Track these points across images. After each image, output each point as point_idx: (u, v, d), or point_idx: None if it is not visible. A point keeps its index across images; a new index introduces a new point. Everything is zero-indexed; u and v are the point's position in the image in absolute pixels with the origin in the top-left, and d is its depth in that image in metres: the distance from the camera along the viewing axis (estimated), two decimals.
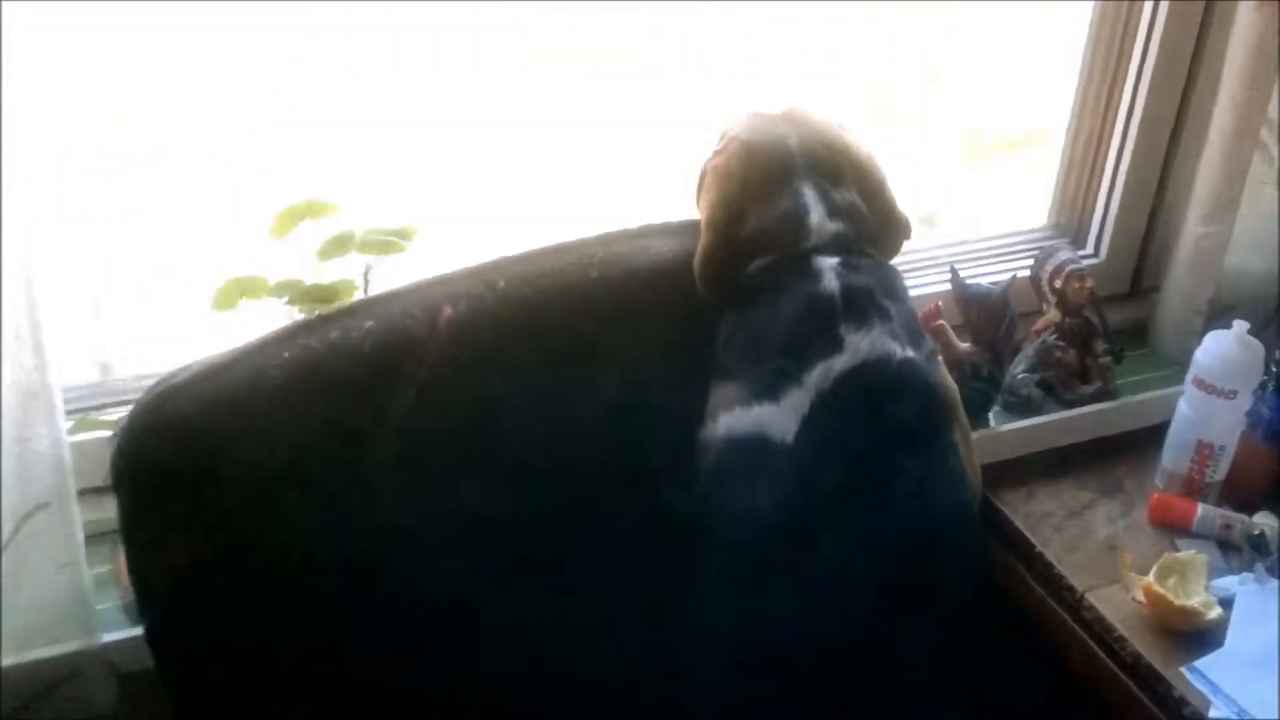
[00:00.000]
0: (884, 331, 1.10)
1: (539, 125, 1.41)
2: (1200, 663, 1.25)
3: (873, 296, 1.12)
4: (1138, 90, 1.62)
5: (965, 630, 1.16)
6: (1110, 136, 1.67)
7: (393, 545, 1.03)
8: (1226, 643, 1.26)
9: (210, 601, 1.01)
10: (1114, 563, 1.37)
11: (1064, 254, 1.59)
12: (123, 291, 1.39)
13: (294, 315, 1.21)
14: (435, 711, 1.12)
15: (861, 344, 1.09)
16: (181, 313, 1.32)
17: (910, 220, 1.22)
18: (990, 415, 1.54)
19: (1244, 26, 1.48)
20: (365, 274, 1.24)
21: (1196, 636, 1.28)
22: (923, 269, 1.62)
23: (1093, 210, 1.72)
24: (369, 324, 1.03)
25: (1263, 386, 1.43)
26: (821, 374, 1.08)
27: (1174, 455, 1.47)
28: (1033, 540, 1.42)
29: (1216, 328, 1.45)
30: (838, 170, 1.16)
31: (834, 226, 1.14)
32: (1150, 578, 1.31)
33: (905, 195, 1.24)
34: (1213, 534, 1.41)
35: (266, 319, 1.16)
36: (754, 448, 1.08)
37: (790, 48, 1.52)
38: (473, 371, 1.06)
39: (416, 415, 1.03)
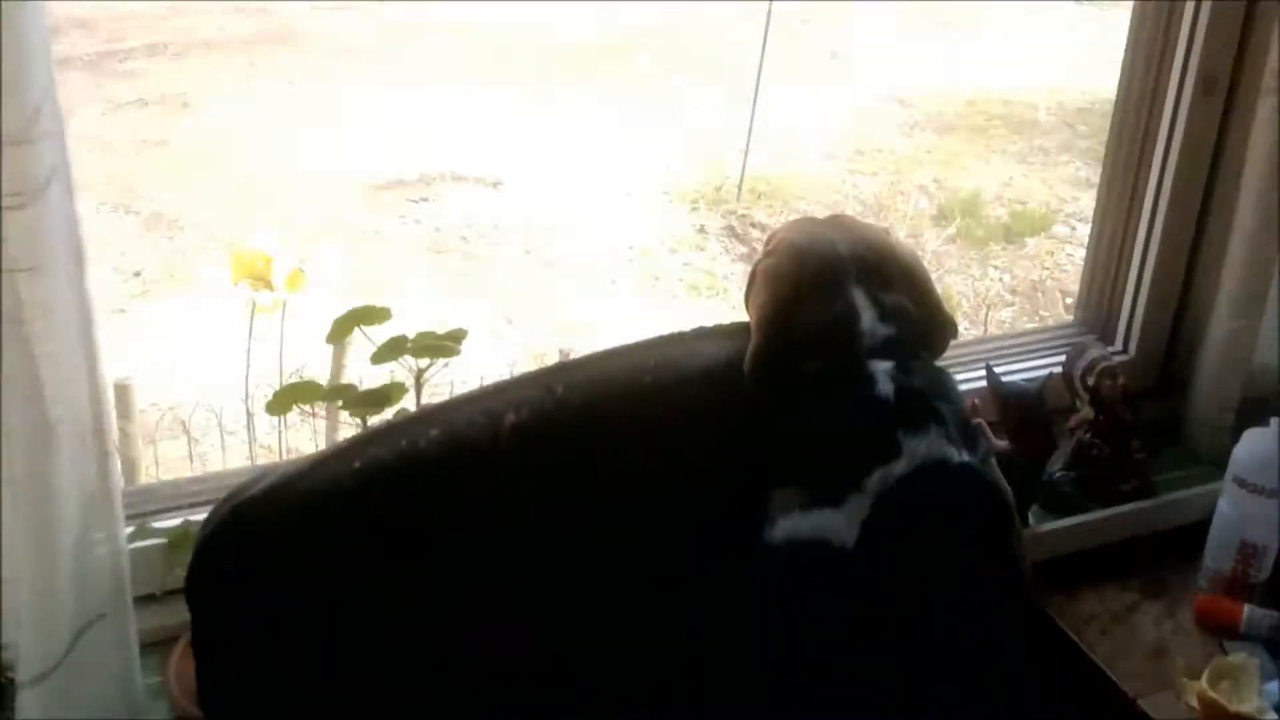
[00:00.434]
0: (940, 435, 1.11)
1: None
2: None
3: (927, 400, 1.13)
4: (1161, 187, 1.65)
5: None
6: (1135, 233, 1.70)
7: (463, 659, 1.03)
8: None
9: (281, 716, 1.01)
10: (1163, 667, 1.36)
11: (1095, 351, 1.61)
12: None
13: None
14: None
15: (919, 449, 1.10)
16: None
17: (956, 320, 1.24)
18: (1029, 515, 1.54)
19: (1264, 123, 1.52)
20: (418, 377, 1.25)
21: None
22: (956, 366, 1.64)
23: (1120, 307, 1.74)
24: (435, 431, 1.05)
25: None
26: (881, 479, 1.09)
27: (1217, 554, 1.46)
28: (1081, 645, 1.41)
29: (1249, 423, 1.46)
30: (886, 274, 1.18)
31: (886, 330, 1.16)
32: (1203, 682, 1.30)
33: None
34: (1260, 635, 1.40)
35: None
36: (815, 553, 1.08)
37: None
38: (535, 477, 1.07)
39: (482, 523, 1.04)
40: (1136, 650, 1.40)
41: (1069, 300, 4.67)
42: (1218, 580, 1.46)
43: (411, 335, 1.26)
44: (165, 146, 5.39)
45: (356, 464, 1.02)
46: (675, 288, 4.73)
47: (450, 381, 2.73)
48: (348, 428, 1.87)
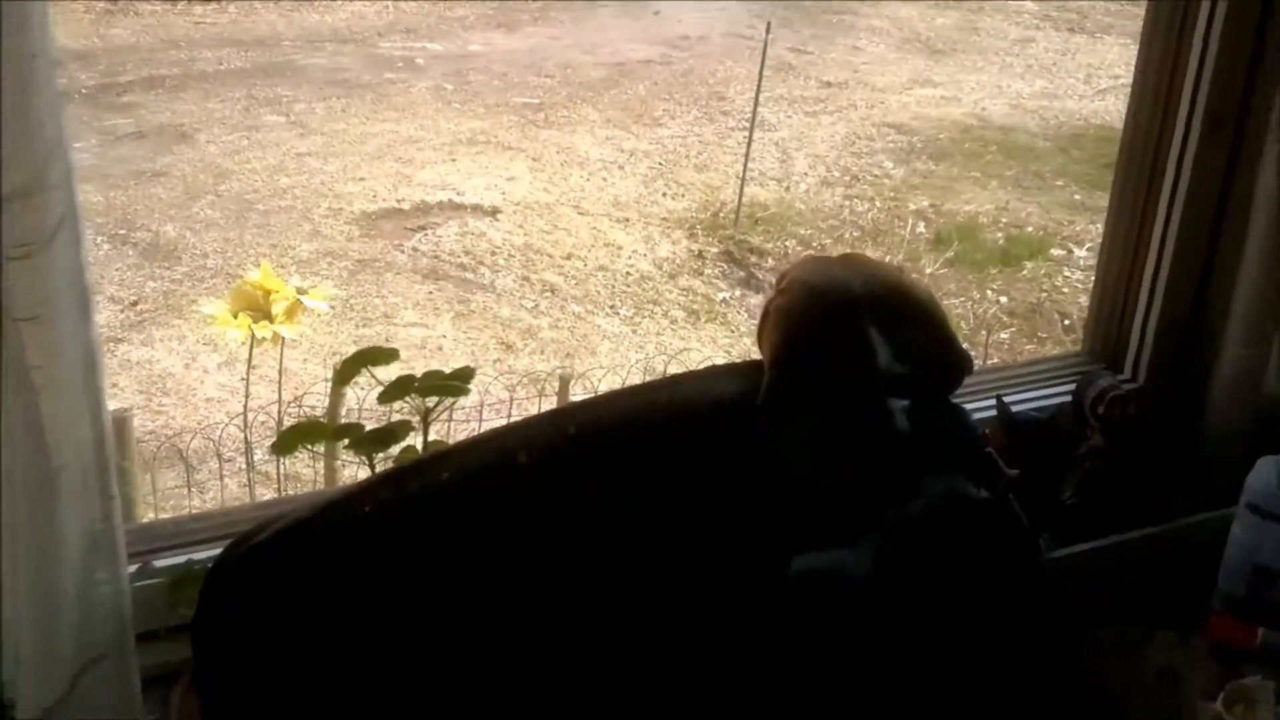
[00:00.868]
0: (958, 472, 1.10)
1: None
2: None
3: (944, 438, 1.12)
4: (1170, 216, 1.65)
5: None
6: (1144, 264, 1.69)
7: (475, 708, 1.01)
8: None
9: None
10: (1176, 692, 1.35)
11: (1105, 380, 1.60)
12: None
13: None
14: None
15: (937, 486, 1.09)
16: None
17: (970, 355, 1.23)
18: (1040, 542, 1.53)
19: (1271, 160, 1.52)
20: (425, 416, 1.24)
21: None
22: (965, 396, 1.63)
23: (1129, 335, 1.73)
24: (446, 475, 1.04)
25: None
26: (899, 517, 1.08)
27: (1230, 580, 1.46)
28: (1093, 671, 1.39)
29: (1260, 450, 1.46)
30: (901, 311, 1.17)
31: (901, 368, 1.14)
32: (1219, 705, 1.29)
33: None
34: (1276, 658, 1.39)
35: None
36: (831, 590, 1.07)
37: None
38: (548, 518, 1.05)
39: (496, 567, 1.03)
40: (1149, 676, 1.39)
41: (1066, 322, 4.68)
42: (1231, 604, 1.46)
43: (419, 374, 1.24)
44: (163, 177, 5.40)
45: (366, 509, 1.01)
46: (674, 313, 4.73)
47: (451, 409, 2.73)
48: (347, 455, 1.85)
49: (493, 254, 5.00)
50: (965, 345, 1.29)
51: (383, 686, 1.00)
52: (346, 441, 1.22)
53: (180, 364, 4.17)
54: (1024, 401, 1.67)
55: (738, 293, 4.89)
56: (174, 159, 5.56)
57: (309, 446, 1.22)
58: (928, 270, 4.90)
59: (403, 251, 4.98)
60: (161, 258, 4.79)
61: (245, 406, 3.01)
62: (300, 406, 3.22)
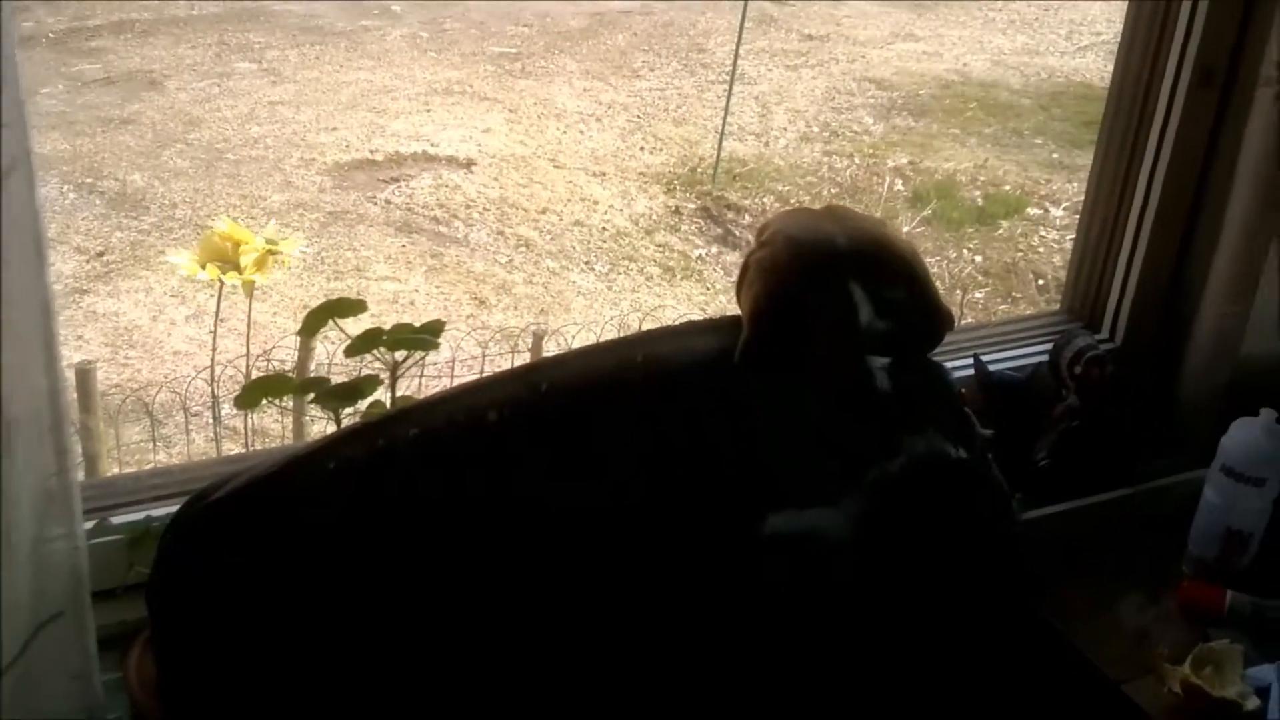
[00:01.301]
0: (938, 432, 1.08)
1: None
2: None
3: (925, 396, 1.10)
4: (1154, 174, 1.63)
5: None
6: (1125, 222, 1.67)
7: (438, 666, 0.99)
8: None
9: None
10: (1145, 652, 1.35)
11: (1082, 340, 1.59)
12: None
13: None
14: None
15: (917, 445, 1.07)
16: None
17: (952, 312, 1.21)
18: (1014, 502, 1.52)
19: (1262, 112, 1.50)
20: (393, 371, 1.21)
21: None
22: (942, 355, 1.61)
23: (1108, 295, 1.72)
24: (413, 432, 1.01)
25: None
26: (878, 476, 1.06)
27: (1202, 542, 1.45)
28: (1062, 631, 1.39)
29: (1236, 412, 1.45)
30: (884, 268, 1.15)
31: (883, 325, 1.12)
32: (1186, 668, 1.29)
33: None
34: (1244, 621, 1.39)
35: None
36: (809, 550, 1.05)
37: None
38: (518, 477, 1.03)
39: (462, 526, 1.00)
40: (1118, 636, 1.39)
41: (1040, 282, 4.69)
42: (1202, 567, 1.45)
43: (387, 327, 1.21)
44: (131, 125, 5.30)
45: (330, 465, 0.98)
46: (650, 269, 4.70)
47: (421, 364, 2.70)
48: (315, 410, 1.82)
49: (467, 207, 4.94)
50: None
51: (342, 647, 0.98)
52: (312, 396, 1.19)
53: (147, 316, 4.11)
54: (1001, 361, 1.65)
55: (714, 250, 4.86)
56: (143, 106, 5.46)
57: (274, 400, 1.19)
58: (905, 228, 4.88)
59: (375, 204, 4.91)
60: (129, 207, 4.71)
61: (212, 360, 2.97)
62: (269, 360, 3.18)
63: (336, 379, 1.26)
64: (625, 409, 1.08)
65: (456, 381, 2.49)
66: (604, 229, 4.91)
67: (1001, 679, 1.13)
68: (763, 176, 5.34)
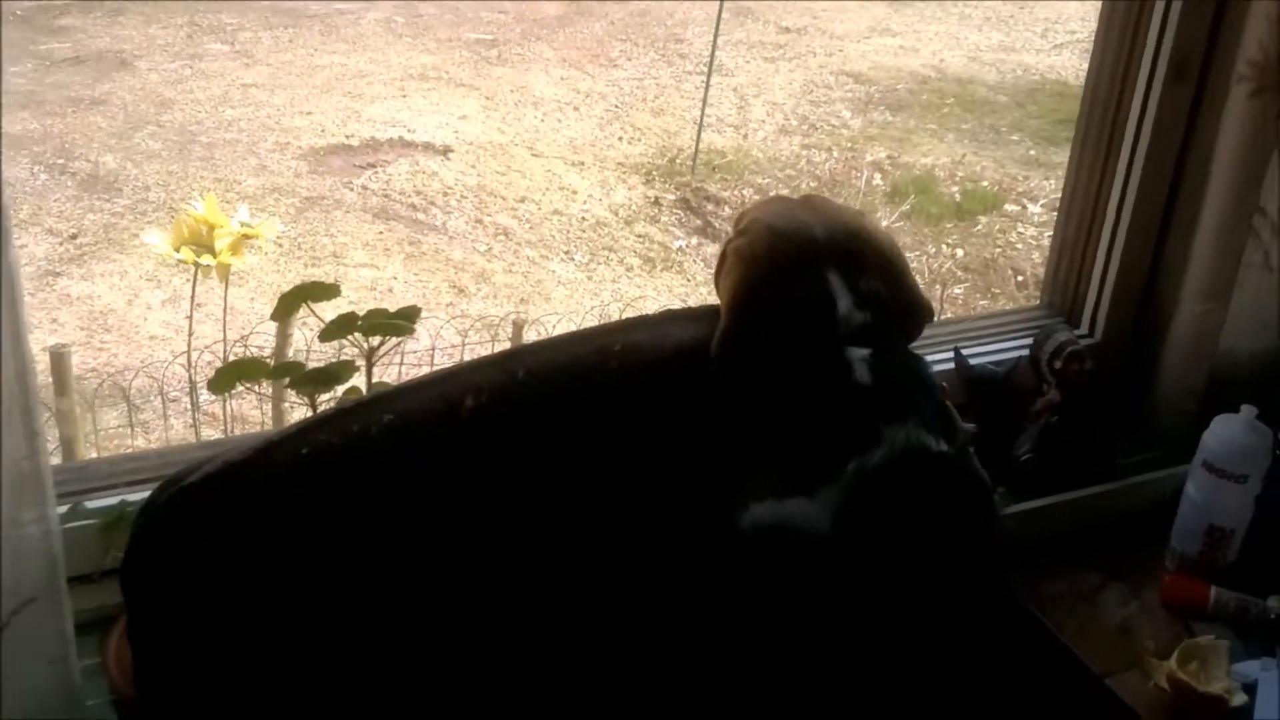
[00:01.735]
0: (918, 424, 1.08)
1: None
2: None
3: (905, 388, 1.09)
4: (1130, 170, 1.63)
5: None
6: (1103, 217, 1.68)
7: (413, 654, 0.98)
8: None
9: (221, 708, 0.95)
10: (1129, 646, 1.35)
11: (1062, 335, 1.59)
12: None
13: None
14: None
15: (897, 437, 1.06)
16: None
17: (931, 304, 1.20)
18: (995, 496, 1.52)
19: (1235, 111, 1.50)
20: (369, 356, 1.20)
21: None
22: (923, 348, 1.61)
23: (1087, 290, 1.72)
24: (388, 417, 0.99)
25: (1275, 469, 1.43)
26: (857, 469, 1.05)
27: (1184, 538, 1.46)
28: (1048, 624, 1.39)
29: (1214, 408, 1.46)
30: (863, 259, 1.14)
31: (862, 317, 1.11)
32: (1172, 663, 1.29)
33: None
34: (1228, 616, 1.39)
35: None
36: (786, 543, 1.05)
37: None
38: (494, 464, 1.01)
39: (437, 513, 0.99)
40: (1102, 630, 1.39)
41: (1019, 278, 4.71)
42: (1185, 563, 1.46)
43: (362, 312, 1.20)
44: (102, 105, 5.23)
45: (304, 450, 0.96)
46: (630, 260, 4.69)
47: (401, 353, 2.67)
48: (295, 397, 1.80)
49: (445, 194, 4.91)
50: None
51: (317, 631, 0.96)
52: (287, 380, 1.18)
53: (122, 300, 4.06)
54: (982, 355, 1.65)
55: (694, 241, 4.85)
56: (114, 86, 5.39)
57: (250, 386, 1.17)
58: (884, 223, 4.89)
59: (352, 189, 4.87)
60: (101, 189, 4.66)
61: (189, 344, 2.94)
62: (246, 346, 3.15)
63: (315, 365, 1.24)
64: (602, 397, 1.07)
65: None
66: (583, 218, 4.90)
67: (985, 673, 1.13)
68: (741, 169, 5.34)
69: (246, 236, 2.43)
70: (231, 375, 1.19)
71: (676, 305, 4.35)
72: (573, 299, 4.34)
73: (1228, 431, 1.40)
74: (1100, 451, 1.58)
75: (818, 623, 1.05)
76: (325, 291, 1.23)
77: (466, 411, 1.02)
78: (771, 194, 5.08)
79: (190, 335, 2.90)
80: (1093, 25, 1.70)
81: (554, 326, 3.47)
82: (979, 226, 5.07)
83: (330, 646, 0.97)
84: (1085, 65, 1.69)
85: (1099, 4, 1.66)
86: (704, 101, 5.43)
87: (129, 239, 4.32)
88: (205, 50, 5.85)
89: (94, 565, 1.17)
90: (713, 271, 1.20)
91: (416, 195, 4.88)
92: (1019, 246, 4.94)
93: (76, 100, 5.24)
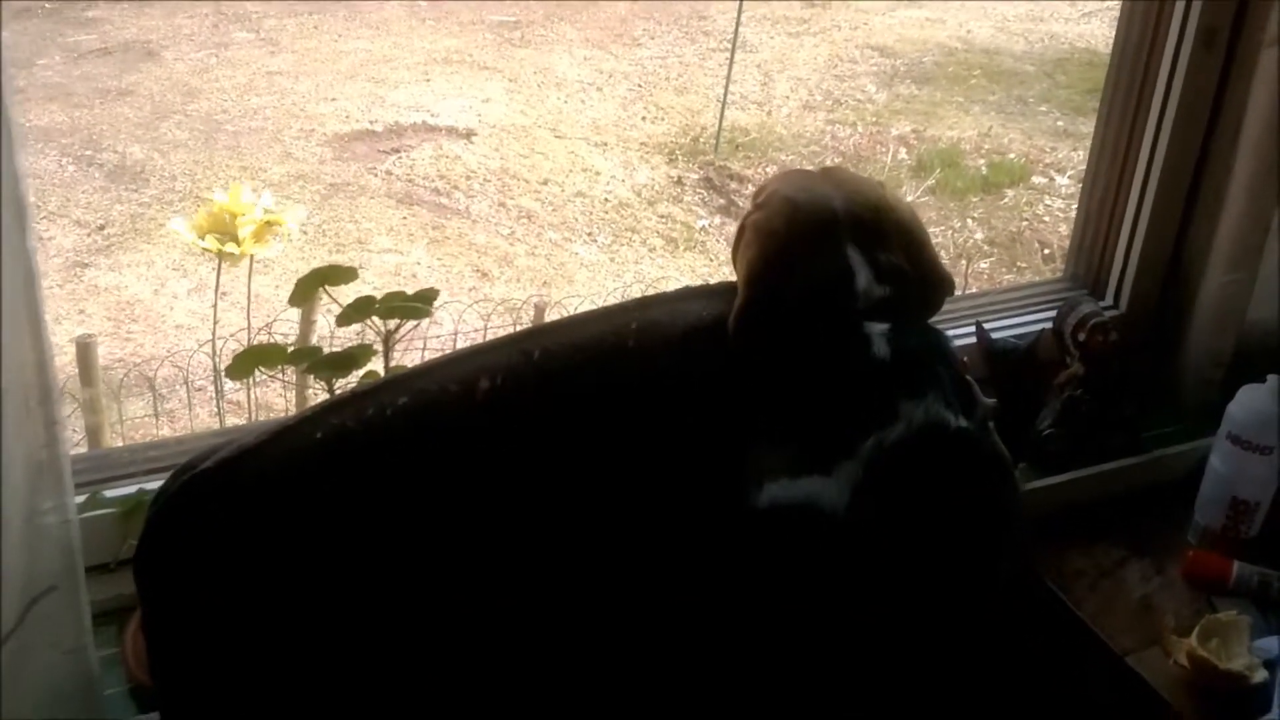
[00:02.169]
0: (937, 400, 1.06)
1: None
2: None
3: (925, 363, 1.08)
4: (1157, 139, 1.61)
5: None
6: (1129, 187, 1.65)
7: (430, 640, 0.98)
8: (1274, 707, 1.23)
9: (236, 697, 0.95)
10: (1151, 623, 1.34)
11: (1087, 307, 1.57)
12: None
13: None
14: None
15: (916, 413, 1.05)
16: None
17: (952, 277, 1.19)
18: (1017, 471, 1.51)
19: (1265, 74, 1.48)
20: (386, 339, 1.20)
21: (1241, 701, 1.24)
22: (945, 322, 1.60)
23: (1112, 261, 1.70)
24: (403, 400, 0.99)
25: None
26: (875, 445, 1.04)
27: (1208, 511, 1.44)
28: (1068, 602, 1.38)
29: (1241, 379, 1.43)
30: (883, 232, 1.12)
31: (881, 291, 1.10)
32: (1192, 640, 1.27)
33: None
34: (1250, 592, 1.38)
35: None
36: (803, 519, 1.04)
37: None
38: (511, 445, 1.01)
39: (454, 495, 0.99)
40: (1123, 607, 1.38)
41: (1046, 251, 4.65)
42: (1207, 536, 1.44)
43: (379, 295, 1.20)
44: (129, 96, 5.26)
45: (319, 435, 0.96)
46: (653, 240, 4.67)
47: (423, 338, 2.68)
48: (321, 384, 1.81)
49: (468, 178, 4.91)
50: None
51: (332, 618, 0.97)
52: (305, 365, 1.18)
53: (149, 290, 4.09)
54: (1005, 328, 1.64)
55: (717, 220, 4.82)
56: (141, 77, 5.41)
57: (268, 371, 1.18)
58: (909, 197, 4.84)
59: (376, 175, 4.88)
60: (129, 179, 4.68)
61: (214, 333, 2.95)
62: (270, 333, 3.16)
63: (334, 350, 1.25)
64: (619, 376, 1.07)
65: None
66: (606, 200, 4.88)
67: (1004, 650, 1.12)
68: (765, 145, 5.30)
69: (270, 224, 2.44)
70: (249, 361, 1.19)
71: (711, 283, 4.29)
72: (595, 281, 4.33)
73: (1253, 402, 1.38)
74: (1124, 424, 1.56)
75: (836, 600, 1.05)
76: (342, 275, 1.23)
77: (482, 393, 1.02)
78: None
79: (215, 323, 2.91)
80: None
81: (576, 309, 3.43)
82: (1006, 200, 5.01)
83: (345, 632, 0.97)
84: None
85: None
86: (727, 79, 5.39)
87: (156, 229, 4.34)
88: (231, 39, 5.87)
89: (112, 554, 1.18)
90: (736, 235, 1.19)
91: (440, 179, 4.88)
92: (1046, 219, 4.87)
93: (104, 91, 5.27)
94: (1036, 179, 5.17)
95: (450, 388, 1.00)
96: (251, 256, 2.48)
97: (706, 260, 4.56)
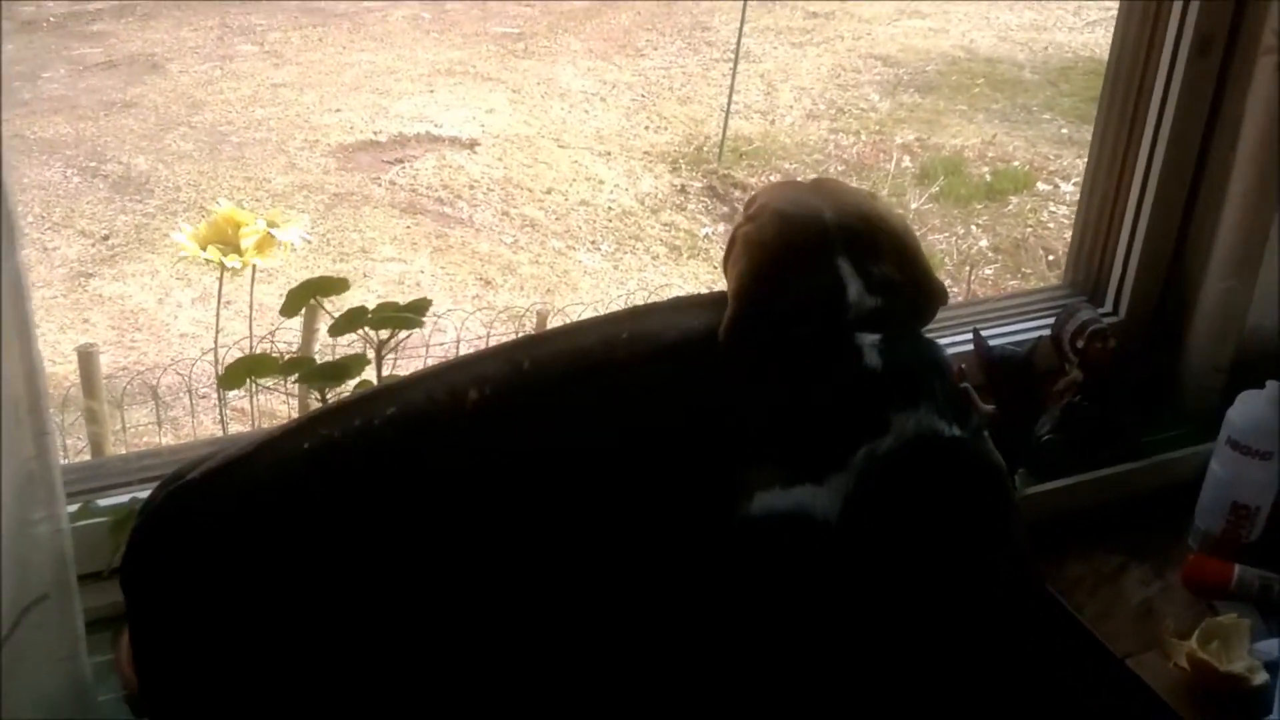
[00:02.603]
0: (930, 410, 1.05)
1: None
2: None
3: (917, 373, 1.07)
4: (1154, 148, 1.61)
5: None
6: (1127, 194, 1.65)
7: (417, 651, 0.98)
8: (1275, 710, 1.22)
9: (223, 707, 0.95)
10: (1151, 627, 1.33)
11: (1085, 313, 1.56)
12: None
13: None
14: None
15: (907, 424, 1.04)
16: None
17: (945, 287, 1.18)
18: (1015, 478, 1.50)
19: (1262, 81, 1.47)
20: (379, 350, 1.20)
21: (1242, 703, 1.23)
22: (942, 330, 1.59)
23: (1110, 268, 1.70)
24: (391, 410, 0.99)
25: None
26: (866, 455, 1.03)
27: (1208, 516, 1.43)
28: (1068, 606, 1.37)
29: (1240, 385, 1.43)
30: (874, 243, 1.12)
31: (873, 302, 1.09)
32: (1193, 643, 1.27)
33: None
34: (1251, 596, 1.37)
35: None
36: (794, 531, 1.03)
37: None
38: (500, 457, 1.01)
39: (442, 507, 0.98)
40: (1124, 611, 1.37)
41: (1051, 258, 4.64)
42: (1208, 541, 1.43)
43: (372, 305, 1.20)
44: (134, 108, 5.28)
45: (305, 445, 0.96)
46: (656, 249, 4.67)
47: (426, 346, 2.68)
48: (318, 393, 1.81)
49: (471, 188, 4.92)
50: (947, 281, 1.24)
51: (318, 628, 0.96)
52: (296, 375, 1.18)
53: (153, 299, 4.10)
54: (1003, 335, 1.63)
55: (721, 228, 4.82)
56: (145, 89, 5.44)
57: (258, 381, 1.17)
58: (912, 205, 4.84)
59: (380, 185, 4.89)
60: (133, 190, 4.70)
61: (216, 342, 2.96)
62: (273, 342, 3.16)
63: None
64: (610, 386, 1.06)
65: None
66: (610, 208, 4.88)
67: (1002, 656, 1.11)
68: (769, 154, 5.30)
69: (270, 235, 2.45)
70: (241, 372, 1.19)
71: (703, 293, 4.29)
72: (599, 289, 4.33)
73: (1252, 408, 1.38)
74: (1123, 431, 1.55)
75: (828, 610, 1.04)
76: (334, 286, 1.23)
77: (471, 404, 1.01)
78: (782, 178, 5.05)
79: (217, 332, 2.92)
80: None
81: (579, 317, 3.46)
82: (1010, 207, 5.01)
83: (333, 643, 0.97)
84: None
85: None
86: (731, 88, 5.40)
87: (160, 239, 4.36)
88: (235, 51, 5.89)
89: (105, 563, 1.18)
90: (726, 247, 1.19)
91: (443, 189, 4.89)
92: (1050, 226, 4.87)
93: (109, 104, 5.29)
94: (1041, 186, 5.17)
95: (439, 398, 1.00)
96: (254, 266, 2.48)
97: (710, 268, 4.56)
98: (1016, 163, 5.32)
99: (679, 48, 6.24)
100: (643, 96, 5.74)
